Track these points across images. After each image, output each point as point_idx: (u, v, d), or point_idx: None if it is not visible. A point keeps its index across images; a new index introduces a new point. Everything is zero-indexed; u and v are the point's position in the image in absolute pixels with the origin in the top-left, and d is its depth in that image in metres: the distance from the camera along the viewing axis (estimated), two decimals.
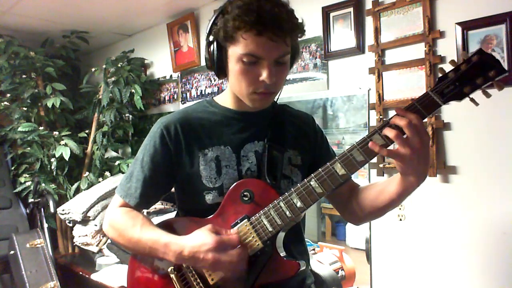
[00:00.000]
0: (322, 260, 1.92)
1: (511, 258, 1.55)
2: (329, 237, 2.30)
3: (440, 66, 1.63)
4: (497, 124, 1.55)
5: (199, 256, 0.88)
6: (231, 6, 0.90)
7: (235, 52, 0.92)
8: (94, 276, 2.25)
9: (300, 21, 0.94)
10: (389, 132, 0.82)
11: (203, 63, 2.80)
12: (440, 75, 0.85)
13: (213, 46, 0.95)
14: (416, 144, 0.81)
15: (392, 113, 1.86)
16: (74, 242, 2.71)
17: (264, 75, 0.91)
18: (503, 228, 1.56)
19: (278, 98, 1.12)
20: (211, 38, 0.97)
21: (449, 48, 1.66)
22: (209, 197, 0.99)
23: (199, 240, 0.90)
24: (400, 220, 1.82)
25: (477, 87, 0.81)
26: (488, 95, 0.82)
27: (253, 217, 0.95)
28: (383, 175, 1.87)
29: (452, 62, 0.83)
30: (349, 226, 2.18)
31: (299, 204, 0.91)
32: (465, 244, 1.66)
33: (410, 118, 0.81)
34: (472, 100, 0.83)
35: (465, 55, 0.82)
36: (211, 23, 0.96)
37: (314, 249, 2.13)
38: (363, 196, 1.04)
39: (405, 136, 0.82)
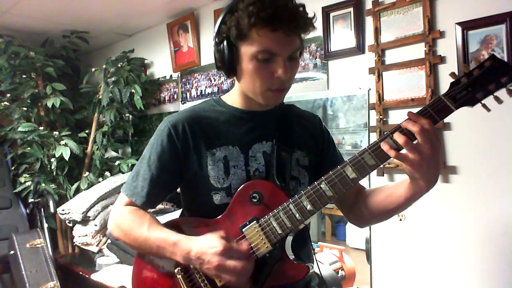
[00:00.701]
0: (322, 260, 1.92)
1: (511, 258, 1.55)
2: (329, 237, 2.29)
3: (446, 64, 1.65)
4: (497, 124, 1.55)
5: (205, 258, 0.87)
6: (242, 3, 0.89)
7: (248, 50, 0.90)
8: (94, 276, 2.25)
9: (311, 16, 0.94)
10: (399, 138, 0.81)
11: (203, 63, 2.81)
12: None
13: (224, 45, 0.93)
14: (427, 150, 0.80)
15: (392, 113, 1.86)
16: (74, 242, 2.71)
17: (279, 71, 0.90)
18: (504, 228, 1.56)
19: (284, 98, 1.11)
20: (220, 37, 0.94)
21: (449, 48, 1.66)
22: (216, 198, 0.98)
23: (208, 242, 0.89)
24: (400, 220, 1.82)
25: (490, 93, 0.81)
26: (500, 101, 0.81)
27: (262, 219, 0.94)
28: (383, 175, 1.87)
29: (464, 67, 0.82)
30: (349, 226, 2.18)
31: (309, 207, 0.91)
32: (465, 244, 1.66)
33: (422, 123, 0.80)
34: (484, 106, 0.82)
35: (476, 60, 0.81)
36: (220, 22, 0.94)
37: (314, 249, 2.12)
38: (370, 200, 1.03)
39: (416, 141, 0.81)
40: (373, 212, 1.02)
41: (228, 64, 0.95)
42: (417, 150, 0.80)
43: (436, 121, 0.82)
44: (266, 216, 0.94)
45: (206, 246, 0.88)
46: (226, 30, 0.92)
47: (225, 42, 0.93)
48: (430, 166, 0.82)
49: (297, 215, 0.92)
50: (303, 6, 0.92)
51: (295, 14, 0.88)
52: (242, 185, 0.97)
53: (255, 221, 0.94)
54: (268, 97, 0.96)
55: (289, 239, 0.97)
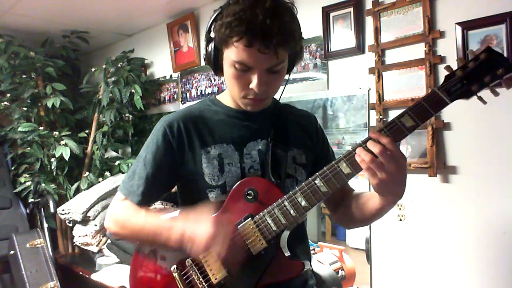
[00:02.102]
0: (322, 260, 1.92)
1: (511, 258, 1.55)
2: (329, 237, 2.29)
3: (447, 64, 1.65)
4: (497, 124, 1.55)
5: (195, 240, 0.86)
6: (227, 10, 0.90)
7: (228, 56, 0.93)
8: (94, 276, 2.25)
9: (296, 28, 0.92)
10: (365, 156, 0.82)
11: (203, 63, 2.81)
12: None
13: (211, 46, 0.97)
14: (392, 169, 0.81)
15: (392, 113, 1.86)
16: (74, 242, 2.71)
17: (253, 83, 0.92)
18: (503, 228, 1.56)
19: (280, 97, 1.12)
20: (208, 37, 0.98)
21: (449, 48, 1.66)
22: (212, 195, 0.99)
23: (200, 217, 0.89)
24: (400, 220, 1.82)
25: (485, 85, 0.80)
26: (496, 93, 0.81)
27: (257, 216, 0.95)
28: None
29: (460, 59, 0.82)
30: None
31: (303, 203, 0.91)
32: (465, 244, 1.66)
33: (383, 142, 0.81)
34: (480, 98, 0.82)
35: (473, 53, 0.81)
36: (210, 24, 0.97)
37: (314, 249, 2.13)
38: (351, 206, 1.04)
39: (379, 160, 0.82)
40: (354, 218, 1.04)
41: (213, 64, 0.99)
42: (382, 169, 0.81)
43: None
44: (261, 213, 0.94)
45: (199, 231, 0.87)
46: (212, 34, 0.96)
47: (211, 44, 0.97)
48: (396, 183, 0.84)
49: (291, 212, 0.92)
50: (287, 20, 0.88)
51: (269, 32, 0.84)
52: (238, 182, 0.98)
53: (250, 218, 0.95)
54: (245, 104, 0.99)
55: (285, 235, 0.97)
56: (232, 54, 0.91)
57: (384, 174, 0.81)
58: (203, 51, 1.03)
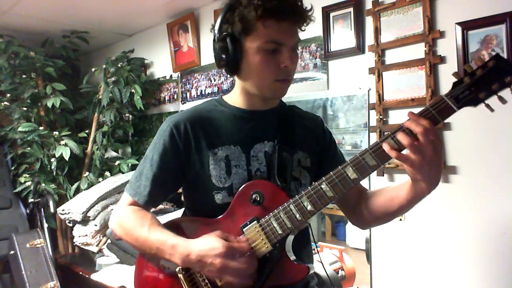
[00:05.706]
0: (322, 260, 1.92)
1: (511, 258, 1.55)
2: (329, 237, 2.30)
3: (446, 64, 1.65)
4: (497, 124, 1.55)
5: (206, 260, 0.88)
6: None
7: (254, 43, 0.93)
8: (94, 276, 2.25)
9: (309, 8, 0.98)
10: (403, 139, 0.81)
11: (203, 63, 2.81)
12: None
13: (227, 42, 0.94)
14: (429, 152, 0.79)
15: (392, 113, 1.86)
16: (74, 242, 2.71)
17: (286, 61, 0.93)
18: (503, 228, 1.56)
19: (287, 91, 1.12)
20: (221, 35, 0.96)
21: (449, 48, 1.66)
22: (218, 197, 0.99)
23: (208, 244, 0.89)
24: (400, 220, 1.82)
25: (493, 93, 0.80)
26: (504, 101, 0.80)
27: (262, 219, 0.94)
28: (383, 175, 1.87)
29: (467, 66, 0.81)
30: (349, 226, 2.18)
31: (309, 207, 0.91)
32: (465, 244, 1.66)
33: (423, 124, 0.79)
34: (488, 106, 0.82)
35: (481, 60, 0.80)
36: (220, 21, 0.96)
37: (314, 249, 2.12)
38: (372, 201, 1.03)
39: (418, 142, 0.80)
40: (375, 214, 1.02)
41: (232, 60, 0.96)
42: (419, 151, 0.80)
43: (438, 122, 0.82)
44: (266, 216, 0.94)
45: (207, 248, 0.88)
46: (228, 27, 0.95)
47: (228, 39, 0.94)
48: (432, 168, 0.82)
49: (297, 216, 0.92)
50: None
51: (298, 5, 0.93)
52: (243, 185, 0.98)
53: (255, 221, 0.95)
54: (275, 89, 0.98)
55: (290, 239, 0.97)
56: (260, 37, 0.92)
57: (421, 156, 0.80)
58: (214, 54, 1.00)
